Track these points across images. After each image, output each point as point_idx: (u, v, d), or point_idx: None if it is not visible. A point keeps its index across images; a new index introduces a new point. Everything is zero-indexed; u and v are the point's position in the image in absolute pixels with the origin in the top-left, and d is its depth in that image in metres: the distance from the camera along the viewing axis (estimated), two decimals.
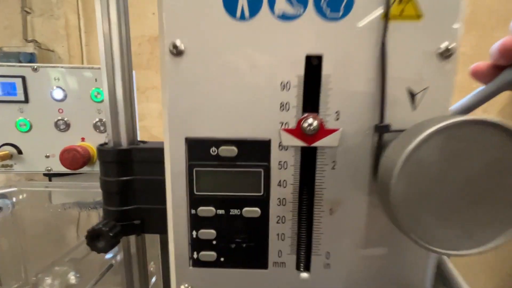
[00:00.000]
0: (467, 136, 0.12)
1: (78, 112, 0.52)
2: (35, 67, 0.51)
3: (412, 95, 0.16)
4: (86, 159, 0.50)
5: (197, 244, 0.18)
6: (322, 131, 0.16)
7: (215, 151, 0.17)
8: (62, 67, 0.51)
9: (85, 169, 0.53)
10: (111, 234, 0.21)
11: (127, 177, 0.22)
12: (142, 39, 1.28)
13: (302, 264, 0.18)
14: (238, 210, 0.17)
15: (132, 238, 0.25)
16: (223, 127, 0.16)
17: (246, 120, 0.16)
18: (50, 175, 0.57)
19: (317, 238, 0.17)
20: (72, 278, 0.20)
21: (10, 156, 0.52)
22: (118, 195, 0.22)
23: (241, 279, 0.18)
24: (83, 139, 0.53)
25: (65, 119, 0.52)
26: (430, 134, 0.12)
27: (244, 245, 0.18)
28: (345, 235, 0.17)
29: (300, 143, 0.16)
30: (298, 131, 0.16)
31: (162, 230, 0.23)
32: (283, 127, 0.16)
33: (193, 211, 0.17)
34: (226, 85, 0.16)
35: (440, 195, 0.12)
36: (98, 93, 0.51)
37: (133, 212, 0.23)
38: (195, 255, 0.18)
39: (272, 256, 0.18)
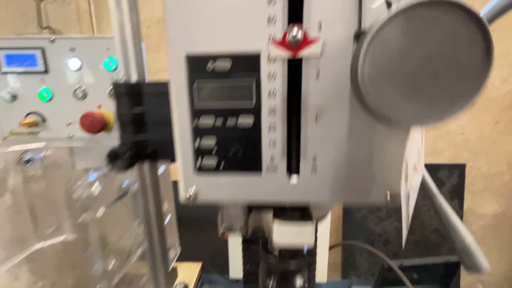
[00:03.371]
0: (426, 16, 0.13)
1: (93, 80, 0.55)
2: (52, 38, 0.54)
3: (389, 4, 0.17)
4: (103, 124, 0.54)
5: (199, 153, 0.20)
6: (305, 41, 0.18)
7: (211, 66, 0.19)
8: (76, 38, 0.54)
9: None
10: (126, 156, 0.24)
11: (138, 108, 0.25)
12: (150, 21, 1.30)
13: (292, 168, 0.20)
14: (234, 120, 0.20)
15: (147, 168, 0.28)
16: (218, 42, 0.18)
17: (238, 35, 0.18)
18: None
19: (305, 143, 0.19)
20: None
21: (36, 124, 0.56)
22: (131, 126, 0.25)
23: (238, 184, 0.21)
24: (99, 106, 0.57)
25: (82, 87, 0.55)
26: (391, 16, 0.13)
27: (240, 152, 0.20)
28: (329, 139, 0.19)
29: (286, 53, 0.18)
30: (284, 43, 0.18)
31: (172, 158, 0.26)
32: (271, 40, 0.18)
33: (194, 123, 0.20)
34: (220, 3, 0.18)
35: (402, 73, 0.14)
36: (111, 62, 0.54)
37: (146, 142, 0.26)
38: (198, 163, 0.21)
39: (265, 162, 0.20)
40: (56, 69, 0.55)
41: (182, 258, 1.09)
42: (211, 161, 0.20)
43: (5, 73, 0.55)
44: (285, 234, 0.22)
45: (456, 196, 1.44)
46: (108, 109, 0.57)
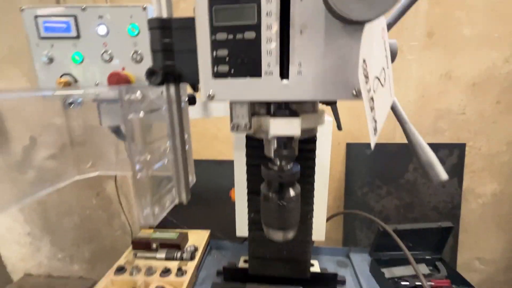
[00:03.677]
0: None
1: (118, 45, 0.63)
2: (83, 7, 0.62)
3: None
4: (127, 83, 0.62)
5: (216, 61, 0.28)
6: None
7: None
8: (104, 6, 0.61)
9: None
10: (160, 73, 0.31)
11: (167, 39, 0.32)
12: None
13: (284, 73, 0.27)
14: (241, 35, 0.27)
15: (172, 92, 0.36)
16: None
17: None
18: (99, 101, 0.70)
19: (292, 52, 0.26)
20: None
21: (69, 84, 0.64)
22: (161, 53, 0.33)
23: (244, 86, 0.28)
24: (123, 69, 0.65)
25: (109, 51, 0.63)
26: None
27: (245, 60, 0.27)
28: (310, 48, 0.26)
29: None
30: None
31: (194, 80, 0.33)
32: None
33: (213, 37, 0.27)
34: None
35: None
36: (133, 28, 0.62)
37: (173, 67, 0.33)
38: (215, 69, 0.28)
39: (264, 67, 0.27)
40: (87, 35, 0.62)
41: (193, 228, 1.18)
42: (224, 68, 0.28)
43: (43, 38, 0.63)
44: (278, 126, 0.29)
45: (456, 175, 1.48)
46: (131, 71, 0.65)
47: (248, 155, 0.58)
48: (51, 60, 0.64)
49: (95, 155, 0.54)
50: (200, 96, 0.30)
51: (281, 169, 0.37)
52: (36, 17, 0.63)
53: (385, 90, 0.30)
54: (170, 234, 1.10)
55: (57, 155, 0.50)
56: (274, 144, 0.33)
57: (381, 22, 0.26)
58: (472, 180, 1.46)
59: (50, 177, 0.48)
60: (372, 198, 1.50)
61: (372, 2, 0.20)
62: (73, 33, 0.63)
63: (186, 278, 0.87)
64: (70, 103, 0.53)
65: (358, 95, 0.26)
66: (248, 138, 0.51)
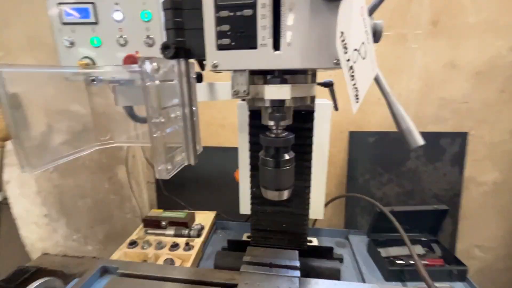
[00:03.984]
0: None
1: (132, 30, 0.68)
2: None
3: None
4: None
5: (220, 35, 0.33)
6: None
7: None
8: None
9: None
10: (173, 48, 0.36)
11: (179, 19, 0.37)
12: None
13: (276, 44, 0.32)
14: (240, 12, 0.32)
15: (183, 67, 0.41)
16: None
17: None
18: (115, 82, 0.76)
19: (283, 26, 0.31)
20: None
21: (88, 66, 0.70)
22: (173, 31, 0.38)
23: (243, 56, 0.33)
24: (137, 52, 0.70)
25: (124, 36, 0.68)
26: None
27: (244, 34, 0.32)
28: (298, 24, 0.31)
29: None
30: None
31: (201, 55, 0.38)
32: None
33: (217, 14, 0.32)
34: None
35: None
36: (146, 14, 0.67)
37: (183, 43, 0.38)
38: (218, 42, 0.33)
39: (259, 40, 0.32)
40: (104, 20, 0.68)
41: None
42: (226, 41, 0.33)
43: (65, 23, 0.69)
44: (271, 90, 0.34)
45: (457, 163, 1.50)
46: (144, 55, 0.70)
47: (251, 134, 0.63)
48: (72, 44, 0.70)
49: (112, 130, 0.60)
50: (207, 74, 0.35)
51: (277, 135, 0.42)
52: (59, 4, 0.68)
53: (366, 62, 0.35)
54: (179, 214, 1.17)
55: (81, 128, 0.57)
56: (270, 110, 0.38)
57: (360, 0, 0.31)
58: (474, 169, 1.47)
59: (77, 145, 0.54)
60: (374, 185, 1.54)
61: None
62: (92, 19, 0.68)
63: (193, 252, 0.93)
64: (93, 80, 0.59)
65: (338, 64, 0.31)
66: (251, 117, 0.56)
